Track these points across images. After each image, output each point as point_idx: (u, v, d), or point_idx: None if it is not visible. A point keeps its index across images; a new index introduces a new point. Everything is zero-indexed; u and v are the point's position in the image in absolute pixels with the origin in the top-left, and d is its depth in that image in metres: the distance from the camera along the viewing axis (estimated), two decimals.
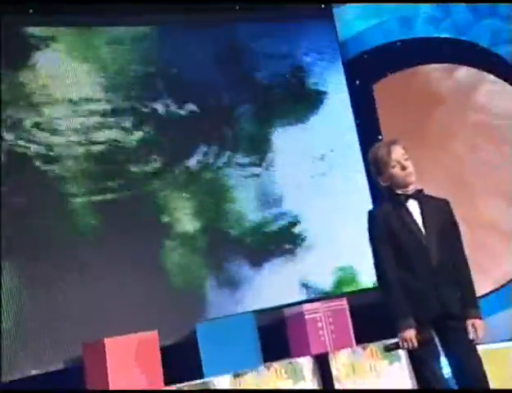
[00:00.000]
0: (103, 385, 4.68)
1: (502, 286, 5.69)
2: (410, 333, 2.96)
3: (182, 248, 5.82)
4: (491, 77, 5.91)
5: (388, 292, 3.06)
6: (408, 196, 3.15)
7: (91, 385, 4.82)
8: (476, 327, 3.08)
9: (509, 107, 5.79)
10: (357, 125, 6.34)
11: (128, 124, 5.64)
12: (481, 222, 5.77)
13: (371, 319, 4.95)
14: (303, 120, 6.23)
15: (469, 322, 3.08)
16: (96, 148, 5.50)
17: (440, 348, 3.18)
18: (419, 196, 3.16)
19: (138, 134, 5.69)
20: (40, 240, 5.24)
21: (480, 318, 3.11)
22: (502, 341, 5.37)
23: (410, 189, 3.15)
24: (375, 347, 5.12)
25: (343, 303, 5.46)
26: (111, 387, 4.71)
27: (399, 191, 3.16)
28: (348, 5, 6.48)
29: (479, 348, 5.24)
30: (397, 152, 3.14)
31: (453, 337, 3.09)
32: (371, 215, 3.21)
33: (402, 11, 6.25)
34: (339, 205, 6.00)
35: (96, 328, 5.08)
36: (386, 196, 3.26)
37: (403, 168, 3.11)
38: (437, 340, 3.16)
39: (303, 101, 6.26)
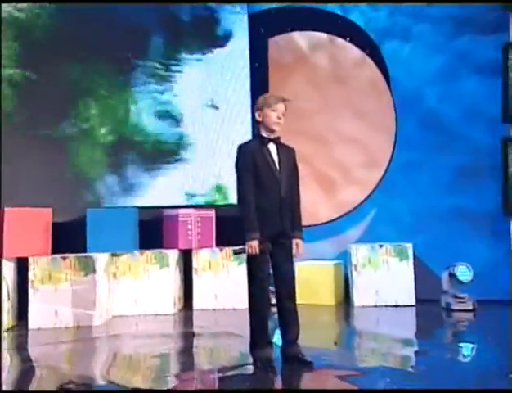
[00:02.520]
0: None
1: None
2: (255, 243, 3.53)
3: (88, 142, 6.43)
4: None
5: (244, 210, 3.59)
6: (270, 140, 3.73)
7: None
8: (298, 246, 3.75)
9: (355, 64, 6.74)
10: (256, 68, 6.89)
11: None
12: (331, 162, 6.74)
13: (231, 228, 5.59)
14: (207, 55, 6.75)
15: (294, 241, 3.73)
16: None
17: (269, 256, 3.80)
18: (277, 141, 3.67)
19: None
20: None
21: (302, 239, 3.76)
22: (327, 259, 6.43)
23: (273, 135, 3.67)
24: (229, 250, 5.93)
25: (212, 213, 6.25)
26: (5, 250, 5.26)
27: (264, 135, 3.71)
28: None
29: (311, 262, 6.28)
30: (281, 106, 3.64)
31: (280, 249, 3.70)
32: (240, 149, 3.65)
33: None
34: (224, 134, 6.66)
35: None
36: (256, 136, 3.81)
37: (278, 117, 3.61)
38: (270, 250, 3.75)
39: (208, 39, 6.76)
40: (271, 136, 3.66)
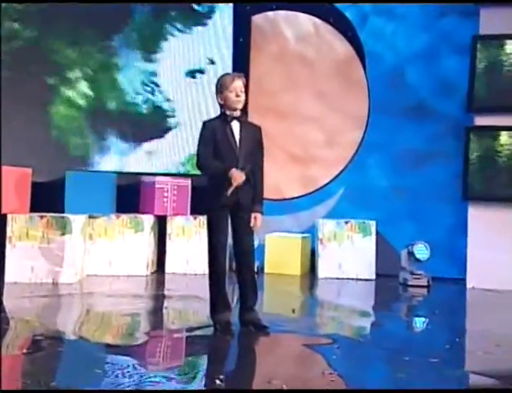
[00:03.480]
0: None
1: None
2: (234, 171, 3.48)
3: (71, 107, 6.49)
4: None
5: (208, 169, 3.65)
6: (233, 118, 3.67)
7: None
8: (256, 219, 3.75)
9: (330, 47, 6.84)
10: (240, 42, 6.94)
11: None
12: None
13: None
14: (191, 29, 6.80)
15: (253, 215, 3.74)
16: None
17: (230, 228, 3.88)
18: (241, 119, 3.70)
19: None
20: None
21: (261, 213, 3.83)
22: (293, 232, 6.62)
23: (235, 113, 3.67)
24: (203, 218, 6.05)
25: (187, 182, 6.37)
26: None
27: (228, 113, 3.67)
28: None
29: (281, 235, 6.45)
30: (238, 83, 3.64)
31: (240, 223, 3.78)
32: (204, 124, 3.73)
33: None
34: (203, 107, 6.73)
35: None
36: (220, 113, 3.81)
37: (237, 96, 3.62)
38: (229, 222, 3.81)
39: (193, 14, 6.80)
40: (234, 114, 3.69)
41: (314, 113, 6.82)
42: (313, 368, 3.21)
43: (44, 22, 6.39)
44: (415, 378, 2.96)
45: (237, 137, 3.68)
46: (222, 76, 3.82)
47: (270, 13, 6.95)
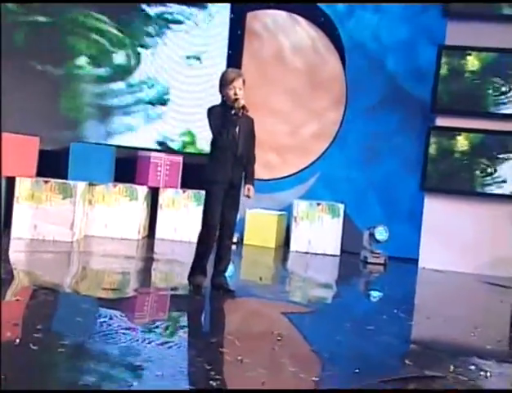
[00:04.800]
0: None
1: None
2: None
3: (80, 83, 6.53)
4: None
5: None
6: (233, 109, 3.80)
7: None
8: (250, 190, 3.94)
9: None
10: (236, 36, 6.91)
11: None
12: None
13: (195, 175, 5.52)
14: (191, 21, 6.76)
15: (247, 186, 4.00)
16: None
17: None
18: (239, 112, 3.77)
19: None
20: None
21: (253, 186, 4.00)
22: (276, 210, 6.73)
23: (236, 107, 3.75)
24: (191, 192, 6.19)
25: (180, 159, 6.45)
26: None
27: (229, 104, 3.84)
28: None
29: (261, 211, 6.57)
30: (238, 82, 3.76)
31: (230, 199, 3.92)
32: (210, 110, 3.90)
33: None
34: (201, 93, 6.64)
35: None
36: (222, 102, 3.90)
37: (235, 94, 3.73)
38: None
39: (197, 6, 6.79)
40: (234, 106, 3.77)
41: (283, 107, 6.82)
42: (266, 327, 3.36)
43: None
44: (349, 342, 3.16)
45: (236, 126, 3.82)
46: (225, 72, 3.94)
47: (256, 12, 6.90)
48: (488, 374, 2.76)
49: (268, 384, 2.33)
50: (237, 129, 3.83)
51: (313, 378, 2.52)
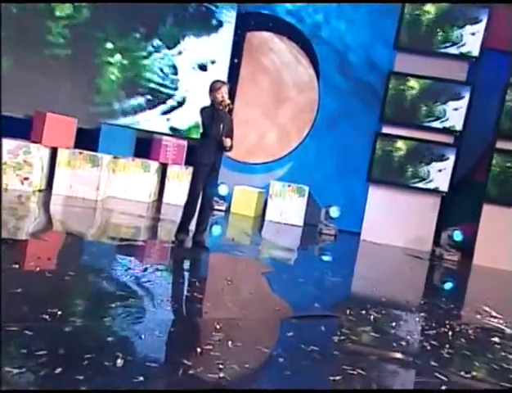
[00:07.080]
0: (39, 137, 5.62)
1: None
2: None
3: (112, 76, 6.67)
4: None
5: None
6: (219, 110, 4.03)
7: (34, 136, 5.67)
8: (226, 141, 4.05)
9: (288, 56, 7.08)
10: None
11: None
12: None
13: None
14: (202, 35, 7.00)
15: (225, 139, 4.04)
16: None
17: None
18: (225, 110, 4.06)
19: None
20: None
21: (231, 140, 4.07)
22: (258, 188, 7.06)
23: (223, 105, 4.04)
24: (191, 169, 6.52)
25: (185, 143, 6.78)
26: (44, 140, 5.61)
27: (216, 106, 4.03)
28: None
29: (245, 188, 6.86)
30: (224, 89, 4.06)
31: (211, 177, 4.17)
32: (203, 109, 4.10)
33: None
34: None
35: (42, 103, 5.96)
36: (211, 105, 4.15)
37: (222, 97, 4.02)
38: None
39: (205, 24, 6.98)
40: (220, 108, 4.05)
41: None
42: (223, 274, 3.58)
43: (101, 15, 6.55)
44: (280, 289, 3.41)
45: (221, 123, 4.06)
46: (213, 82, 4.16)
47: (252, 33, 7.08)
48: (372, 317, 3.06)
49: (210, 314, 2.68)
50: (221, 125, 4.04)
51: (243, 311, 2.81)
